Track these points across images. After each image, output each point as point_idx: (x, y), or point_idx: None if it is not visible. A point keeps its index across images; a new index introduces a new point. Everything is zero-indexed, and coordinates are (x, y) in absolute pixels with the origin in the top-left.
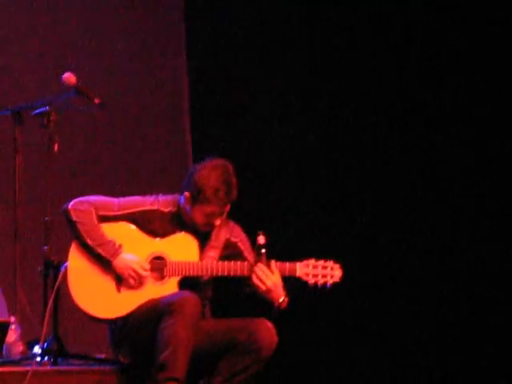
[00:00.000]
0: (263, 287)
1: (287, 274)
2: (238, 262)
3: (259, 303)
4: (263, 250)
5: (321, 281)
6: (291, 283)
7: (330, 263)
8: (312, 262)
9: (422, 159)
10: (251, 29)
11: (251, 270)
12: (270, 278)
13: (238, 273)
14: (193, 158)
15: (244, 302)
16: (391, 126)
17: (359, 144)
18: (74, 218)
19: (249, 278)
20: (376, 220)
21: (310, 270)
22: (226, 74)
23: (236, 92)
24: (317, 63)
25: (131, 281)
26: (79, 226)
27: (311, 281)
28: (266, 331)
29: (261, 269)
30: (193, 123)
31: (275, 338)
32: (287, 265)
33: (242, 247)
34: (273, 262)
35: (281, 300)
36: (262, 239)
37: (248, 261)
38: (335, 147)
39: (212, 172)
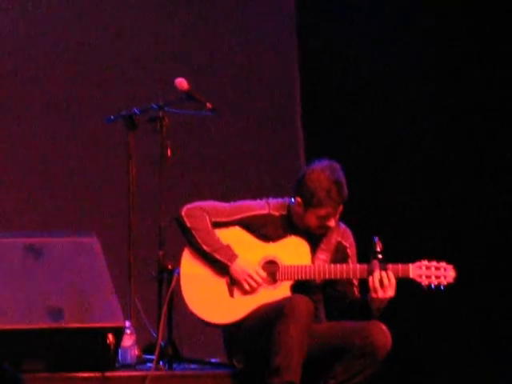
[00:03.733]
0: (382, 295)
1: (400, 275)
2: (358, 265)
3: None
4: (380, 256)
5: (435, 282)
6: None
7: (443, 264)
8: (425, 263)
9: None
10: (363, 26)
11: (370, 273)
12: (392, 287)
13: (358, 275)
14: (306, 160)
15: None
16: None
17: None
18: (189, 225)
19: (351, 282)
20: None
21: (423, 271)
22: (340, 73)
23: (349, 92)
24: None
25: (246, 286)
26: (194, 233)
27: (425, 282)
28: (381, 333)
29: (388, 277)
30: (305, 126)
31: (390, 340)
32: (400, 266)
33: (350, 253)
34: (391, 272)
35: (384, 305)
36: (379, 245)
37: (366, 264)
38: (450, 146)
39: (321, 174)
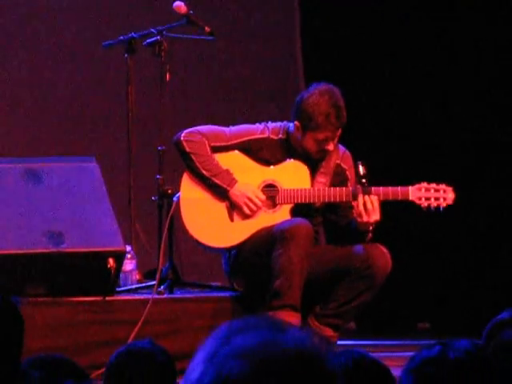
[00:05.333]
0: (366, 219)
1: (400, 197)
2: (344, 188)
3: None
4: (364, 180)
5: (434, 204)
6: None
7: (443, 186)
8: (424, 185)
9: None
10: None
11: (355, 197)
12: (376, 212)
13: (344, 199)
14: (305, 83)
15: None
16: None
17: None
18: (188, 150)
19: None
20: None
21: (422, 193)
22: None
23: (350, 13)
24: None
25: (245, 209)
26: (194, 158)
27: (424, 204)
28: (381, 256)
29: (371, 201)
30: (304, 49)
31: (390, 264)
32: (399, 189)
33: (349, 176)
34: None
35: (370, 228)
36: (362, 169)
37: (351, 187)
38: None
39: (320, 98)
